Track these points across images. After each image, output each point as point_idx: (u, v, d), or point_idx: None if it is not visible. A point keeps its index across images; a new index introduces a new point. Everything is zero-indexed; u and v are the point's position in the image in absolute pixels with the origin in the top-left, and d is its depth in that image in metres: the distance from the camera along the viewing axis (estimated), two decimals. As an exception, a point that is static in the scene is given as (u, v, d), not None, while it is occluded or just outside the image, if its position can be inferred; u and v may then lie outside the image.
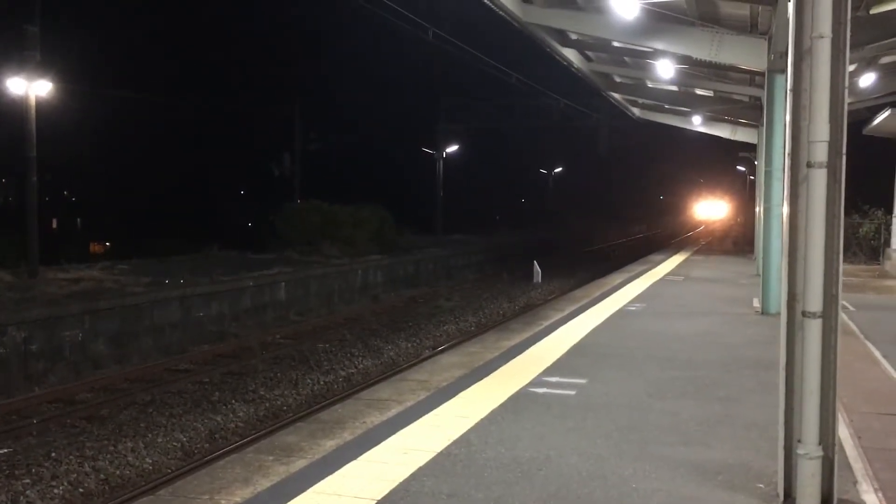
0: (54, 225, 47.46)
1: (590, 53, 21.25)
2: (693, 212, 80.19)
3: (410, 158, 52.62)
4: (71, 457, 9.10)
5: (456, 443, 5.84)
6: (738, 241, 33.91)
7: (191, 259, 23.01)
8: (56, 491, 8.13)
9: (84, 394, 12.02)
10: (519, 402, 7.09)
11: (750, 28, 14.82)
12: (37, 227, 18.04)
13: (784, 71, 4.62)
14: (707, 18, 14.70)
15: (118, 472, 8.74)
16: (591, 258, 38.47)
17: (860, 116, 20.01)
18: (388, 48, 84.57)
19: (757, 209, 21.57)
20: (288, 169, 37.60)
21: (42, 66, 17.99)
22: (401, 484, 4.99)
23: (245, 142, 55.05)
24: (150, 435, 9.98)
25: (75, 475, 8.55)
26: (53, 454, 9.18)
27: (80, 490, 8.23)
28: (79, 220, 52.55)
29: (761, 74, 15.56)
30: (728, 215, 59.13)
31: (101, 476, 8.60)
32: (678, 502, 4.68)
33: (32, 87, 17.72)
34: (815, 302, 4.41)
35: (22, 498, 7.91)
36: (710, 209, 72.50)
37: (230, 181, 58.49)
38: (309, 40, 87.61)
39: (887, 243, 23.39)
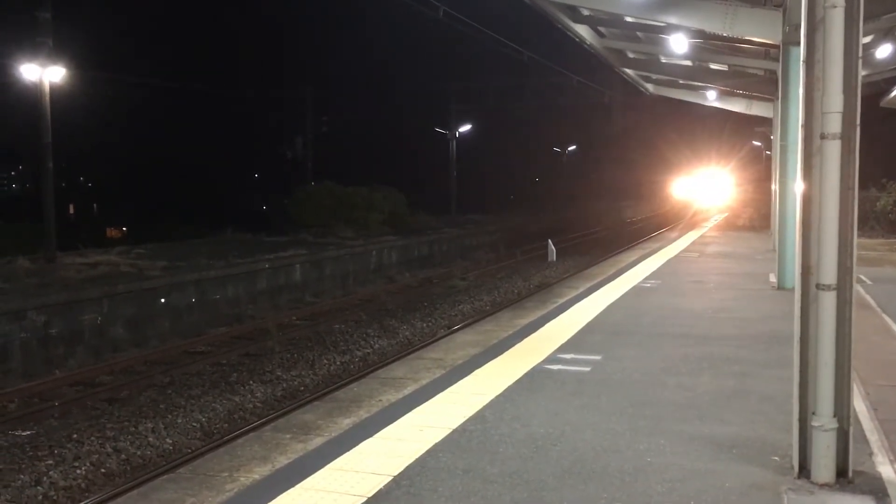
0: (71, 211, 47.84)
1: (602, 29, 21.02)
2: (673, 192, 54.52)
3: (424, 139, 52.57)
4: (92, 438, 9.24)
5: (471, 419, 5.87)
6: (753, 217, 33.64)
7: (206, 243, 23.15)
8: (78, 471, 8.26)
9: (104, 376, 12.17)
10: (534, 379, 7.11)
11: (764, 0, 14.61)
12: (53, 212, 18.24)
13: (799, 43, 4.57)
14: (720, -10, 14.47)
15: (139, 453, 8.87)
16: (606, 237, 38.34)
17: (877, 89, 19.75)
18: (399, 27, 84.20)
19: (773, 185, 21.39)
20: (301, 152, 37.71)
21: (55, 52, 18.07)
22: (417, 460, 5.03)
23: (258, 126, 55.19)
24: (169, 416, 10.11)
25: (97, 456, 8.68)
26: (75, 436, 9.33)
27: (102, 470, 8.36)
28: (95, 205, 52.92)
29: (776, 47, 15.35)
30: (736, 199, 41.54)
31: (123, 456, 8.73)
32: (693, 476, 4.69)
33: (46, 74, 17.82)
34: (829, 274, 4.39)
35: (45, 478, 8.05)
36: (708, 188, 45.87)
37: (244, 165, 58.70)
38: (320, 22, 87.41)
39: (905, 217, 23.18)
